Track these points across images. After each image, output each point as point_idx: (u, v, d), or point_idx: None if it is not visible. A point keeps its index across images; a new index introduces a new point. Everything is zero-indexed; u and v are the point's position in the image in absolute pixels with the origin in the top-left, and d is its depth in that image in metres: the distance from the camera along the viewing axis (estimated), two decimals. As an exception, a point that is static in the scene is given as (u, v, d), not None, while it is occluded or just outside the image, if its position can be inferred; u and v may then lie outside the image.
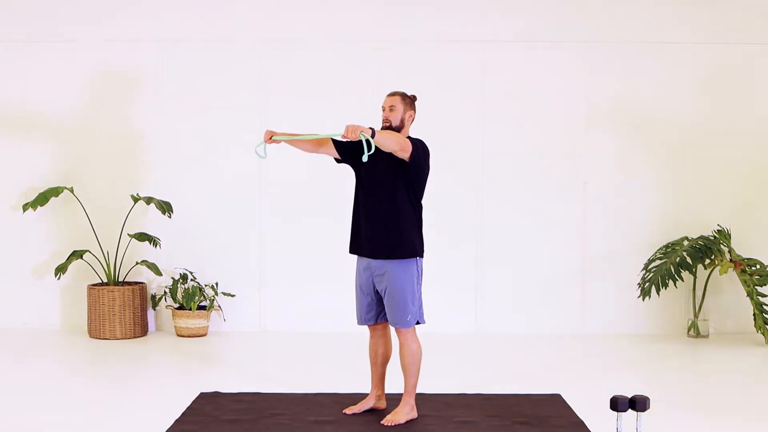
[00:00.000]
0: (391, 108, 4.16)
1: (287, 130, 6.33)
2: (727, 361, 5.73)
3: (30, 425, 4.06)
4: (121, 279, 6.54)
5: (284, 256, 6.64)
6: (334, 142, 4.22)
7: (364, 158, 3.85)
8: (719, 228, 6.45)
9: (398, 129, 4.14)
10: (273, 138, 4.06)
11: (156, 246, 6.44)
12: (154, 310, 6.62)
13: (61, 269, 6.22)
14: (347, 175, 4.33)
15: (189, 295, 6.30)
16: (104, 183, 6.63)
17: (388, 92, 4.25)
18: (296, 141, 4.14)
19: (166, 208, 6.37)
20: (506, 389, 4.79)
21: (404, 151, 3.99)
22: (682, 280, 6.41)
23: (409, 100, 4.21)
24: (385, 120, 4.16)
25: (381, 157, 4.05)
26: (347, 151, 4.21)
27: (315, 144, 4.22)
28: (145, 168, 6.64)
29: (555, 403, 4.50)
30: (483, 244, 6.64)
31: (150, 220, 6.59)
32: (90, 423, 4.14)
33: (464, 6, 6.61)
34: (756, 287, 6.19)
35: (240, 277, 6.62)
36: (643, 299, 6.36)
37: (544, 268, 6.66)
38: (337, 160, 4.30)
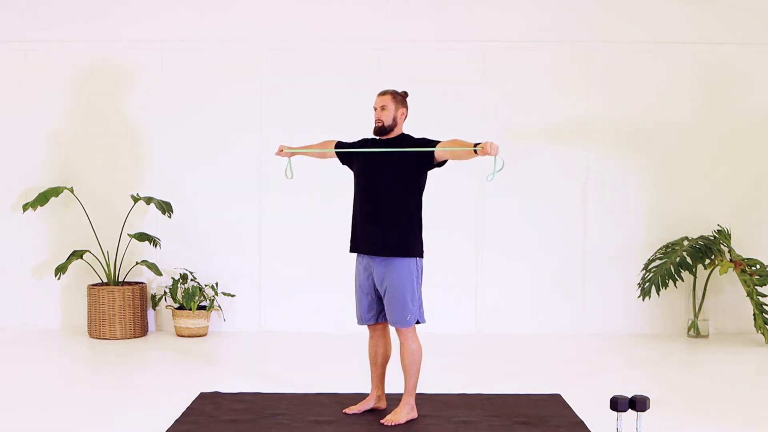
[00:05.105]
0: (383, 108, 4.13)
1: (286, 129, 6.42)
2: (727, 361, 5.73)
3: (30, 425, 4.06)
4: (121, 279, 6.54)
5: (284, 256, 6.64)
6: (338, 153, 4.30)
7: (490, 178, 3.88)
8: (719, 228, 6.45)
9: (391, 128, 4.13)
10: (284, 151, 4.35)
11: (156, 246, 6.44)
12: (154, 310, 6.62)
13: (61, 269, 6.22)
14: (347, 175, 4.33)
15: (189, 295, 6.30)
16: (104, 183, 6.63)
17: (379, 91, 4.22)
18: (305, 153, 4.42)
19: (166, 208, 6.37)
20: (506, 389, 4.79)
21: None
22: (682, 280, 6.41)
23: (401, 98, 4.17)
24: (377, 120, 4.13)
25: (399, 156, 4.04)
26: (346, 156, 4.29)
27: (321, 154, 4.42)
28: (144, 168, 6.64)
29: (555, 403, 4.50)
30: (483, 243, 6.64)
31: (150, 220, 6.59)
32: (90, 423, 4.14)
33: (464, 6, 6.61)
34: (756, 287, 6.19)
35: (240, 277, 6.62)
36: (643, 299, 6.37)
37: (544, 268, 6.66)
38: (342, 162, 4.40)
